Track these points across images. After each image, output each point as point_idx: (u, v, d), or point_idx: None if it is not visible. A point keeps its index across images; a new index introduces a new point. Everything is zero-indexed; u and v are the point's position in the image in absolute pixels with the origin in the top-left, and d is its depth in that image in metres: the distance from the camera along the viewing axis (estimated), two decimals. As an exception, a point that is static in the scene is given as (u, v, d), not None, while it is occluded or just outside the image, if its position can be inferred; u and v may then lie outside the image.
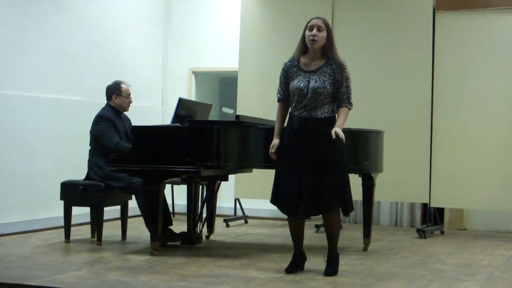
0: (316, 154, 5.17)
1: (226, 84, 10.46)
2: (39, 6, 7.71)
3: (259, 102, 8.32)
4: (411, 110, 7.91)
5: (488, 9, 7.80)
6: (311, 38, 5.21)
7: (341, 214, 5.45)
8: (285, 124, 5.41)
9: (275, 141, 5.36)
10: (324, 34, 5.24)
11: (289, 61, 5.39)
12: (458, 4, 7.90)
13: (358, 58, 8.05)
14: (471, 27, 7.83)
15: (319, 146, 5.17)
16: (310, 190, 5.15)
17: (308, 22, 5.28)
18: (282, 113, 5.42)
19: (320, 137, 5.18)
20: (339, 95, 5.27)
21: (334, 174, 5.18)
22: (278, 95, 5.45)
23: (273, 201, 5.36)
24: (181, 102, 6.54)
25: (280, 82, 5.43)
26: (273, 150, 5.35)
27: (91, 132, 6.72)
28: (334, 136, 5.08)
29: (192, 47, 9.87)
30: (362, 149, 6.44)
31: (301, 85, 5.23)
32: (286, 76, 5.37)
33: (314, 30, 5.22)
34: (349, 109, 5.30)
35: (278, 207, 5.36)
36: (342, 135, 5.09)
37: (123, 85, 6.88)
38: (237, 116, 6.19)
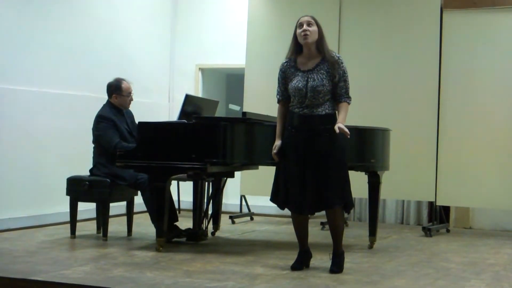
0: (317, 151, 5.17)
1: (233, 81, 10.46)
2: (46, 2, 7.71)
3: (265, 99, 8.28)
4: (418, 108, 7.89)
5: (496, 8, 7.77)
6: (303, 33, 5.22)
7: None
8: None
9: (277, 142, 5.36)
10: (315, 28, 5.25)
11: (286, 61, 5.39)
12: (465, 3, 7.87)
13: (365, 57, 8.06)
14: (478, 25, 7.81)
15: (320, 143, 5.17)
16: (312, 187, 5.16)
17: (297, 21, 5.30)
18: (283, 114, 5.41)
19: (320, 134, 5.18)
20: (337, 90, 5.25)
21: (334, 171, 5.18)
22: (278, 96, 5.45)
23: (272, 199, 5.37)
24: (188, 99, 6.53)
25: (278, 83, 5.43)
26: (275, 151, 5.35)
27: (93, 131, 6.73)
28: (337, 131, 5.07)
29: (199, 44, 9.87)
30: (369, 147, 6.43)
31: (300, 85, 5.22)
32: (284, 77, 5.37)
33: (305, 25, 5.23)
34: (349, 103, 5.29)
35: (278, 205, 5.37)
36: (346, 130, 5.08)
37: (124, 84, 6.82)
38: (244, 113, 6.19)
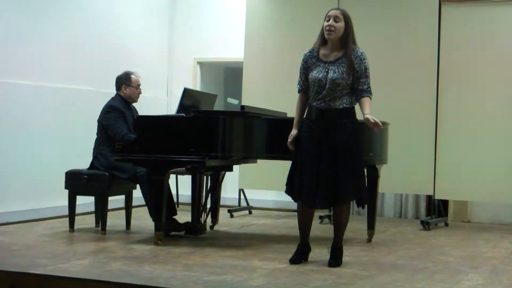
0: (333, 144, 5.17)
1: (231, 74, 10.45)
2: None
3: (264, 92, 8.31)
4: (416, 102, 7.89)
5: (494, 1, 7.77)
6: (327, 28, 5.22)
7: (355, 206, 5.48)
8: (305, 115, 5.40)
9: (294, 131, 5.37)
10: (341, 24, 5.23)
11: (309, 52, 5.38)
12: (464, -4, 7.89)
13: (363, 50, 8.02)
14: (477, 19, 7.80)
15: (337, 137, 5.18)
16: (327, 181, 5.16)
17: (327, 13, 5.28)
18: (302, 104, 5.41)
19: (337, 127, 5.19)
20: (359, 85, 5.26)
21: (350, 165, 5.19)
22: (298, 86, 5.44)
23: (287, 191, 5.36)
24: (186, 92, 6.53)
25: (300, 73, 5.42)
26: (290, 140, 5.35)
27: (99, 121, 6.72)
28: (372, 121, 5.08)
29: (198, 37, 9.85)
30: (367, 141, 6.42)
31: (320, 75, 5.22)
32: (306, 67, 5.36)
33: (331, 20, 5.22)
34: (371, 98, 5.30)
35: (292, 197, 5.36)
36: (378, 120, 5.09)
37: (133, 76, 6.87)
38: (242, 107, 6.19)
